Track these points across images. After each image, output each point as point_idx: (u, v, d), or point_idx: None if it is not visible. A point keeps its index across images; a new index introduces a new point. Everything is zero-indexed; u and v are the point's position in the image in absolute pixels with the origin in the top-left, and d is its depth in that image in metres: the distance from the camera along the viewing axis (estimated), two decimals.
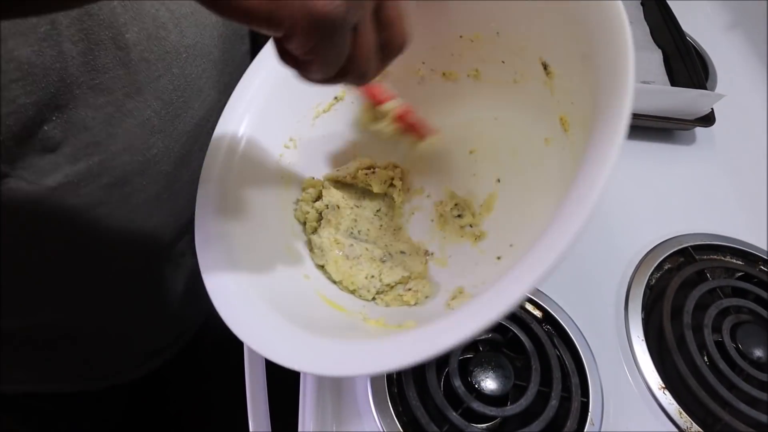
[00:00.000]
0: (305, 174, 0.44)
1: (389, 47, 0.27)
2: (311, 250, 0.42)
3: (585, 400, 0.41)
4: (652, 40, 0.68)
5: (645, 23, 0.70)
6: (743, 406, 0.41)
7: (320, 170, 0.45)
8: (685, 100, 0.56)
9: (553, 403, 0.40)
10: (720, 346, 0.45)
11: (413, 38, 0.28)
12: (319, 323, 0.34)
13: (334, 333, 0.32)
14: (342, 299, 0.39)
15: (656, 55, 0.65)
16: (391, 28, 0.26)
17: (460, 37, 0.42)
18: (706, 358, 0.44)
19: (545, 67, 0.39)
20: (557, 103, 0.40)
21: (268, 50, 0.40)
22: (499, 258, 0.42)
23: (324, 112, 0.44)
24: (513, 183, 0.43)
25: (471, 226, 0.43)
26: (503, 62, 0.42)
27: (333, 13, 0.21)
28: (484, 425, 0.40)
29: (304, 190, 0.43)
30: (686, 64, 0.62)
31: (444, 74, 0.45)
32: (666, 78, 0.63)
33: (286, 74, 0.36)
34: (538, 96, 0.41)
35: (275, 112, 0.41)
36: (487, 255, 0.42)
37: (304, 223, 0.43)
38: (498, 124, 0.45)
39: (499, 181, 0.44)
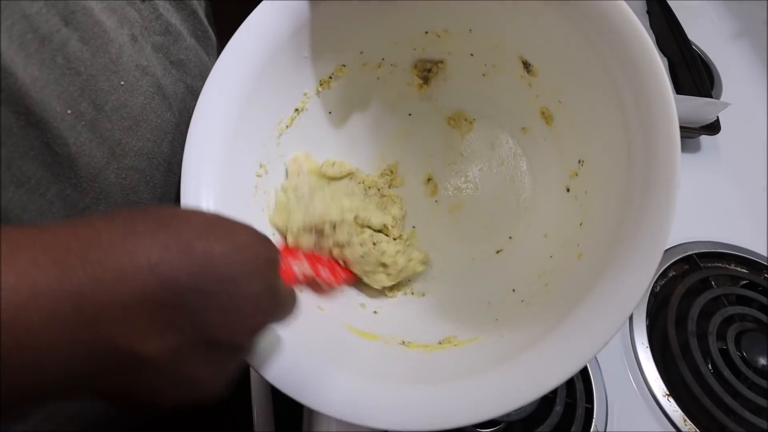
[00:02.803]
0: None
1: None
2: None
3: (589, 406, 0.41)
4: (657, 48, 0.68)
5: (651, 31, 0.70)
6: (747, 414, 0.41)
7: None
8: (691, 108, 0.57)
9: (558, 408, 0.41)
10: (724, 353, 0.45)
11: None
12: (367, 363, 0.32)
13: (395, 376, 0.30)
14: (367, 323, 0.38)
15: (662, 63, 0.66)
16: None
17: (426, 33, 0.42)
18: (710, 365, 0.44)
19: (526, 65, 0.40)
20: (536, 98, 0.41)
21: (216, 77, 0.35)
22: (498, 252, 0.43)
23: (287, 127, 0.41)
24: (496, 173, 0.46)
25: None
26: (472, 55, 0.42)
27: None
28: (488, 430, 0.41)
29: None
30: (692, 72, 0.63)
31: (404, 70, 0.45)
32: (672, 86, 0.63)
33: (246, 95, 0.36)
34: (513, 89, 0.42)
35: (242, 140, 0.36)
36: (486, 252, 0.44)
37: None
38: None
39: (481, 170, 0.47)
